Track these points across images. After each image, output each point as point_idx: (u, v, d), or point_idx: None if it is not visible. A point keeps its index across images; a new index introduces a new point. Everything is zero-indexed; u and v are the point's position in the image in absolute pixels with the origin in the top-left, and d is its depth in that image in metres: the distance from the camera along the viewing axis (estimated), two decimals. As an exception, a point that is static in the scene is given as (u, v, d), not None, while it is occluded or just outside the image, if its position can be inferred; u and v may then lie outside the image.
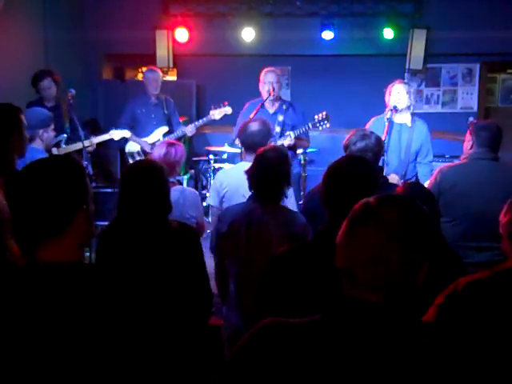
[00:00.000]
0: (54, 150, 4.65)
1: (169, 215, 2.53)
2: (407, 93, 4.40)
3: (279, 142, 4.72)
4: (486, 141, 3.39)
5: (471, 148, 3.44)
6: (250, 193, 2.98)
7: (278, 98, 4.99)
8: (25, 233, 1.38)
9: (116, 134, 5.27)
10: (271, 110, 4.97)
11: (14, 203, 1.39)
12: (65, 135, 4.73)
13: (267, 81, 4.85)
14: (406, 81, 4.54)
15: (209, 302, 2.56)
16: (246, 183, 3.20)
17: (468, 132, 3.50)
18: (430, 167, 4.51)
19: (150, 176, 2.48)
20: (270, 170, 2.79)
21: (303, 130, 4.78)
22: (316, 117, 4.83)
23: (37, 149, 3.60)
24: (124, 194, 2.48)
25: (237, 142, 4.77)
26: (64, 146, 4.71)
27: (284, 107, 4.96)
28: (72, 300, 1.31)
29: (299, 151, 5.45)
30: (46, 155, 3.62)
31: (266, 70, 4.97)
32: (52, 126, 3.84)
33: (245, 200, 3.04)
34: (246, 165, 3.37)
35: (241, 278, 2.80)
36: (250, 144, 3.44)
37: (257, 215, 2.77)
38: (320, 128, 4.83)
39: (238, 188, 3.30)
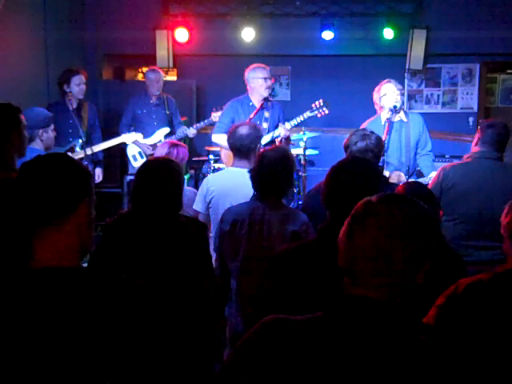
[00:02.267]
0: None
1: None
2: (398, 89, 4.43)
3: (275, 134, 4.74)
4: (491, 138, 3.40)
5: (476, 145, 3.44)
6: (237, 199, 3.00)
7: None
8: (30, 216, 1.38)
9: (128, 138, 5.25)
10: (257, 106, 4.89)
11: (21, 189, 1.40)
12: (80, 140, 4.72)
13: (261, 77, 4.76)
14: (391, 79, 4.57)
15: (226, 286, 2.59)
16: (233, 189, 3.22)
17: (477, 131, 3.51)
18: (430, 157, 4.53)
19: (168, 173, 2.49)
20: (271, 169, 2.80)
21: (301, 120, 4.82)
22: (313, 105, 4.88)
23: (36, 149, 3.59)
24: (140, 187, 2.48)
25: (214, 138, 4.79)
26: (78, 149, 4.71)
27: (269, 104, 4.91)
28: (70, 306, 1.31)
29: (297, 151, 5.47)
30: None
31: (253, 66, 4.85)
32: (52, 127, 3.81)
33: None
34: (235, 170, 3.38)
35: (242, 277, 2.81)
36: (238, 148, 3.39)
37: (258, 214, 2.79)
38: (318, 115, 4.88)
39: (225, 194, 3.29)
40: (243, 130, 3.41)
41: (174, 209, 2.48)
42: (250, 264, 2.76)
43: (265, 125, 4.83)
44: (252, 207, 2.84)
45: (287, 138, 4.79)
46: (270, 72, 4.85)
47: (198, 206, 3.42)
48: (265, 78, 4.77)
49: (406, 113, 4.54)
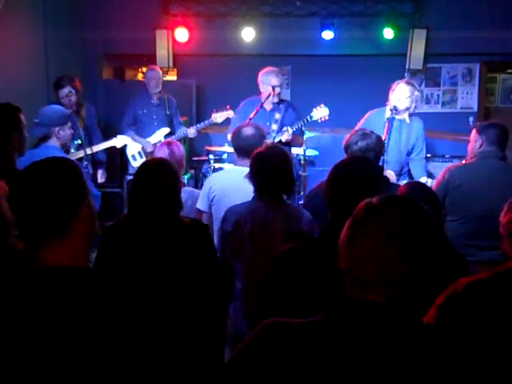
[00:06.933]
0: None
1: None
2: (410, 95, 4.37)
3: (277, 138, 4.76)
4: (495, 138, 3.42)
5: (480, 147, 3.45)
6: (239, 198, 2.99)
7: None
8: (30, 233, 1.37)
9: (118, 142, 5.24)
10: (268, 108, 4.97)
11: (17, 205, 1.39)
12: (75, 142, 4.70)
13: (271, 84, 4.83)
14: (412, 82, 4.54)
15: (230, 286, 2.61)
16: (236, 188, 3.22)
17: (474, 132, 3.51)
18: (423, 163, 4.51)
19: (163, 173, 2.49)
20: (269, 169, 2.79)
21: (301, 125, 4.84)
22: (314, 110, 4.87)
23: (53, 146, 3.60)
24: (137, 190, 2.48)
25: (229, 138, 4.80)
26: (73, 151, 4.70)
27: (281, 106, 4.96)
28: (75, 306, 1.31)
29: (297, 150, 5.47)
30: (62, 153, 3.60)
31: (268, 70, 4.92)
32: (69, 124, 3.78)
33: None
34: (238, 169, 3.38)
35: (248, 277, 2.80)
36: (244, 148, 3.41)
37: (261, 213, 2.78)
38: (319, 120, 4.90)
39: (228, 192, 3.30)
40: (248, 131, 3.44)
41: (172, 209, 2.47)
42: (256, 264, 2.75)
43: (274, 126, 4.86)
44: (253, 207, 2.82)
45: (289, 144, 4.82)
46: (281, 79, 4.89)
47: (201, 205, 3.43)
48: (274, 87, 4.83)
49: (410, 116, 4.50)
